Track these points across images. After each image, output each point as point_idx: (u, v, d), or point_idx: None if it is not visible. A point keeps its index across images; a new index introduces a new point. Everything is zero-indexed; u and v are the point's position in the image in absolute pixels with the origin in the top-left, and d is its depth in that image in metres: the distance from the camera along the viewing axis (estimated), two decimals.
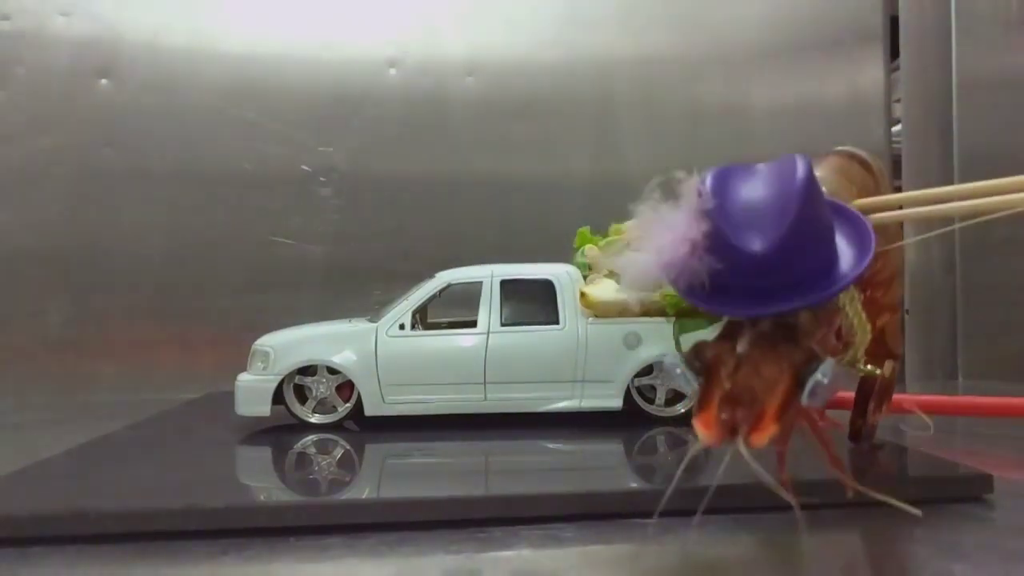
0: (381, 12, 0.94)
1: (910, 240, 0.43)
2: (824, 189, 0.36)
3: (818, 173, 0.36)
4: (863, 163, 0.44)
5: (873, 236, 0.35)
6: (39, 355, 0.88)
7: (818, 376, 0.32)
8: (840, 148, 0.44)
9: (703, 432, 0.33)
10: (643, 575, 0.32)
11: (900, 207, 0.41)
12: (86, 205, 0.89)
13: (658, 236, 0.33)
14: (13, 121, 0.88)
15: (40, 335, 0.88)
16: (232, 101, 0.91)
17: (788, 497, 0.32)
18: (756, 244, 0.32)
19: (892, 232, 0.42)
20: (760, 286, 0.33)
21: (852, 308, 0.38)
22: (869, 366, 0.41)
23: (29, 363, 0.87)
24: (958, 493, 0.41)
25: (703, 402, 0.33)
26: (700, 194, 0.33)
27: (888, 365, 0.48)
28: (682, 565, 0.33)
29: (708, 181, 0.33)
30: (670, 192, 0.33)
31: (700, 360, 0.34)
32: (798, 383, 0.32)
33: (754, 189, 0.33)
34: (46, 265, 0.88)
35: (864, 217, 0.36)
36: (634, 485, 0.43)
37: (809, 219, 0.32)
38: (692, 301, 0.35)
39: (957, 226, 0.40)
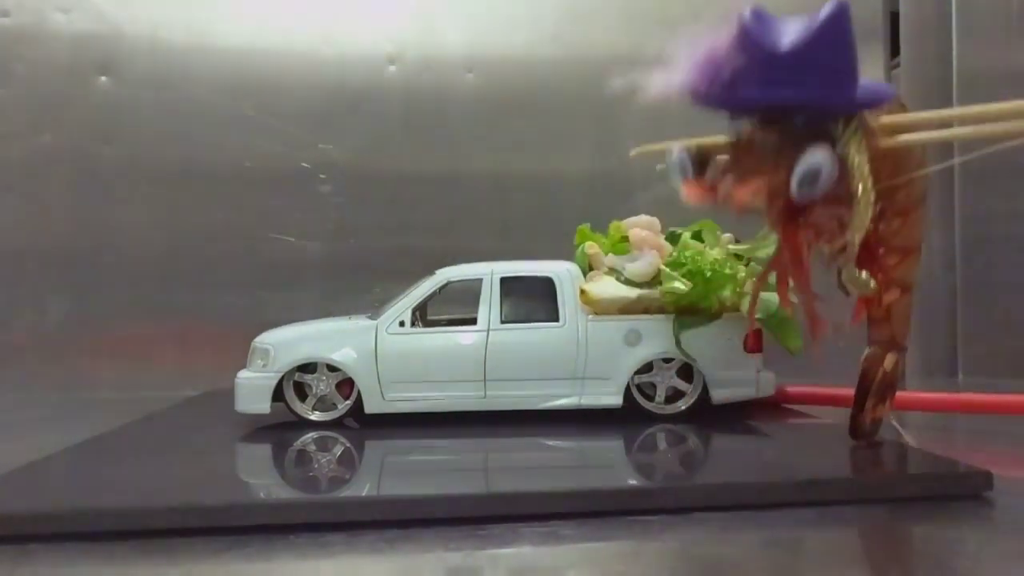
0: (381, 8, 0.94)
1: (934, 168, 0.41)
2: None
3: None
4: (900, 103, 0.43)
5: (892, 91, 0.37)
6: (39, 353, 0.88)
7: (811, 156, 0.34)
8: None
9: (686, 191, 0.35)
10: (643, 573, 0.32)
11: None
12: (85, 202, 0.89)
13: (689, 43, 0.37)
14: (12, 118, 0.88)
15: (39, 332, 0.88)
16: (232, 98, 0.91)
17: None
18: (781, 43, 0.34)
19: (913, 166, 0.41)
20: (778, 81, 0.35)
21: (860, 174, 0.37)
22: (865, 274, 0.40)
23: (28, 361, 0.87)
24: (958, 490, 0.41)
25: (697, 177, 0.35)
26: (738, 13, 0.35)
27: (891, 358, 0.47)
28: (682, 562, 0.33)
29: (747, 8, 0.36)
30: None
31: (701, 152, 0.37)
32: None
33: (790, 21, 0.36)
34: (45, 262, 0.88)
35: (890, 85, 0.37)
36: (634, 482, 0.43)
37: (834, 39, 0.35)
38: (710, 99, 0.36)
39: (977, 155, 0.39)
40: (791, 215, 0.37)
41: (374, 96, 0.93)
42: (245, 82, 0.91)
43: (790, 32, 0.35)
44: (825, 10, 0.35)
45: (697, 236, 0.63)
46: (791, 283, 0.41)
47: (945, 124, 0.39)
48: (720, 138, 0.39)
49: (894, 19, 1.02)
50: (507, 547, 0.34)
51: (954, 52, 1.00)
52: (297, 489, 0.43)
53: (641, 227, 0.63)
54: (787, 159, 0.35)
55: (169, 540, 0.35)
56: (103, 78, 0.89)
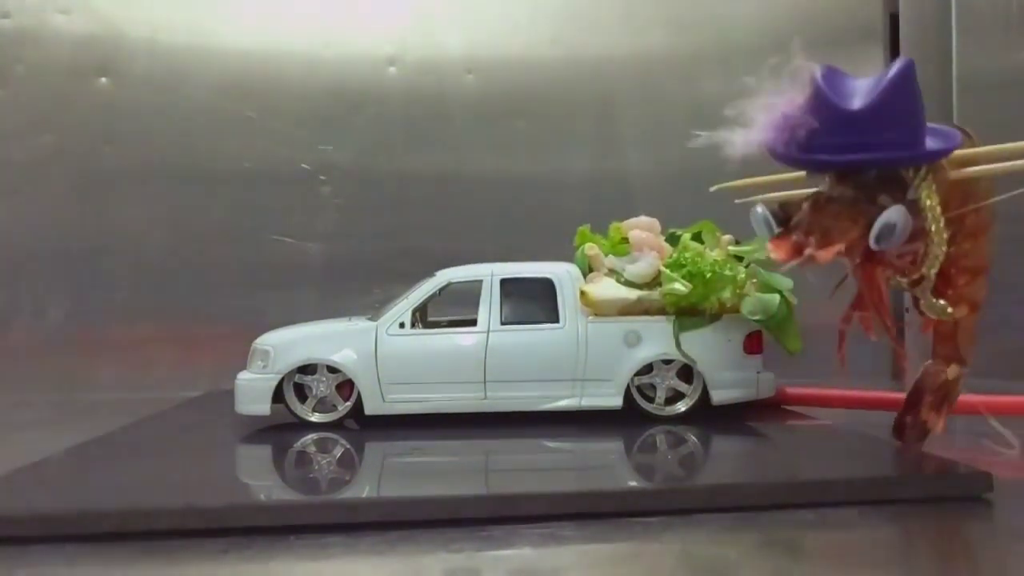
0: (381, 10, 0.94)
1: (1001, 197, 0.44)
2: None
3: None
4: (967, 135, 0.45)
5: (959, 137, 0.40)
6: (39, 354, 0.88)
7: (887, 214, 0.37)
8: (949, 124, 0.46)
9: (774, 249, 0.38)
10: (644, 574, 0.32)
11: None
12: (86, 203, 0.89)
13: (767, 103, 0.39)
14: (13, 119, 0.88)
15: (40, 333, 0.88)
16: (232, 99, 0.91)
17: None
18: (852, 104, 0.37)
19: (982, 195, 0.43)
20: (851, 143, 0.37)
21: (932, 215, 0.39)
22: (942, 301, 0.42)
23: (29, 361, 0.87)
24: (958, 491, 0.41)
25: (781, 234, 0.38)
26: (810, 73, 0.38)
27: (955, 369, 0.48)
28: (683, 564, 0.33)
29: (819, 68, 0.39)
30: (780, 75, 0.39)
31: (784, 211, 0.39)
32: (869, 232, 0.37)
33: (859, 80, 0.39)
34: (46, 263, 0.88)
35: (954, 130, 0.41)
36: (634, 484, 0.43)
37: (902, 97, 0.37)
38: (787, 159, 0.39)
39: None
40: (869, 259, 0.40)
41: (374, 98, 0.93)
42: (245, 83, 0.91)
43: (861, 91, 0.38)
44: (893, 68, 0.37)
45: (697, 237, 0.64)
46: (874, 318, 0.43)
47: (1010, 156, 0.42)
48: (798, 192, 0.42)
49: (894, 20, 1.03)
50: (507, 548, 0.34)
51: (954, 53, 1.00)
52: (297, 490, 0.43)
53: (641, 228, 0.63)
54: (864, 214, 0.38)
55: (169, 541, 0.35)
56: (103, 79, 0.89)
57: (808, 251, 0.37)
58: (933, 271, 0.41)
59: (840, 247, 0.38)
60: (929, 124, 0.40)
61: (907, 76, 0.37)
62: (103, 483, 0.43)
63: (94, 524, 0.36)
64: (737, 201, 0.50)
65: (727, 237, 0.63)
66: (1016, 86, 0.96)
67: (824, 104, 0.37)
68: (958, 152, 0.41)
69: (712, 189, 0.50)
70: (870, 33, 1.01)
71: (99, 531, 0.36)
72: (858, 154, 0.38)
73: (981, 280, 0.47)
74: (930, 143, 0.39)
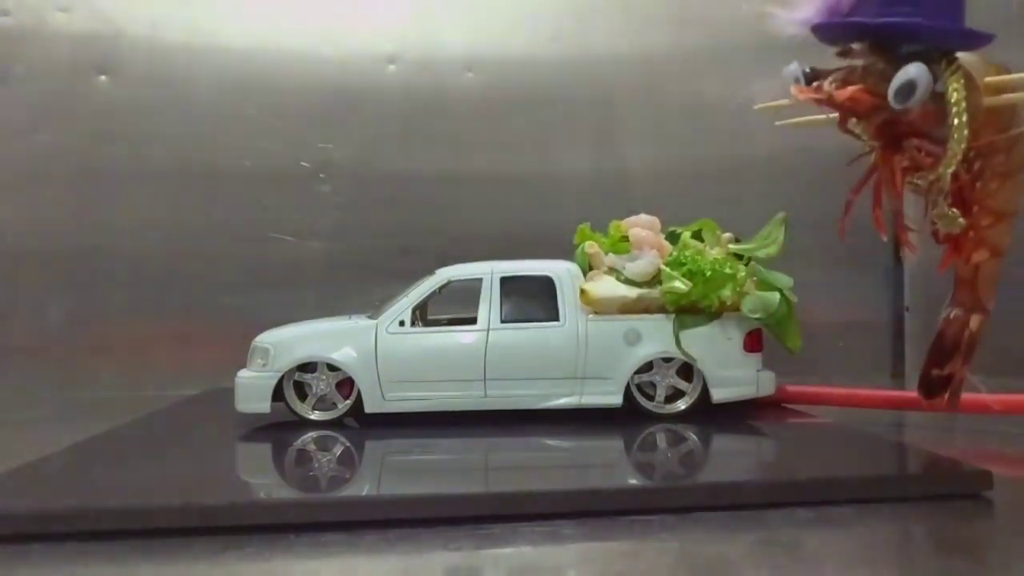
0: (381, 8, 0.94)
1: None
2: (966, 60, 0.42)
3: (964, 55, 0.42)
4: (1005, 67, 0.45)
5: (992, 35, 0.41)
6: (39, 352, 0.88)
7: (908, 70, 0.38)
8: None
9: (796, 93, 0.40)
10: (643, 572, 0.32)
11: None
12: (85, 202, 0.89)
13: None
14: (12, 117, 0.88)
15: (40, 332, 0.88)
16: (231, 97, 0.91)
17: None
18: None
19: (1015, 124, 0.44)
20: (890, 9, 0.39)
21: (957, 108, 0.40)
22: (955, 210, 0.43)
23: (29, 360, 0.87)
24: (958, 490, 0.41)
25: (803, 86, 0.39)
26: None
27: (976, 319, 0.48)
28: (682, 562, 0.33)
29: None
30: None
31: (815, 71, 0.41)
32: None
33: None
34: (46, 262, 0.88)
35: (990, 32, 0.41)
36: (634, 482, 0.43)
37: None
38: (828, 26, 0.41)
39: None
40: (889, 140, 0.41)
41: (374, 95, 0.93)
42: (245, 81, 0.91)
43: None
44: None
45: (697, 235, 0.63)
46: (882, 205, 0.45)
47: None
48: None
49: None
50: (507, 547, 0.34)
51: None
52: (297, 489, 0.43)
53: (641, 226, 0.63)
54: (889, 78, 0.39)
55: (169, 540, 0.35)
56: (103, 77, 0.89)
57: (826, 87, 0.39)
58: (949, 170, 0.41)
59: (857, 88, 0.39)
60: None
61: None
62: (103, 481, 0.43)
63: (94, 522, 0.36)
64: (777, 123, 0.51)
65: (727, 235, 0.63)
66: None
67: None
68: (994, 79, 0.41)
69: (756, 108, 0.51)
70: None
71: (99, 529, 0.36)
72: (894, 16, 0.39)
73: (1005, 225, 0.47)
74: (965, 32, 0.40)
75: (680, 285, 0.58)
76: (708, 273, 0.58)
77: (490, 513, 0.38)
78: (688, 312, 0.60)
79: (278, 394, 0.59)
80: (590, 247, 0.63)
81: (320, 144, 0.92)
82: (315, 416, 0.59)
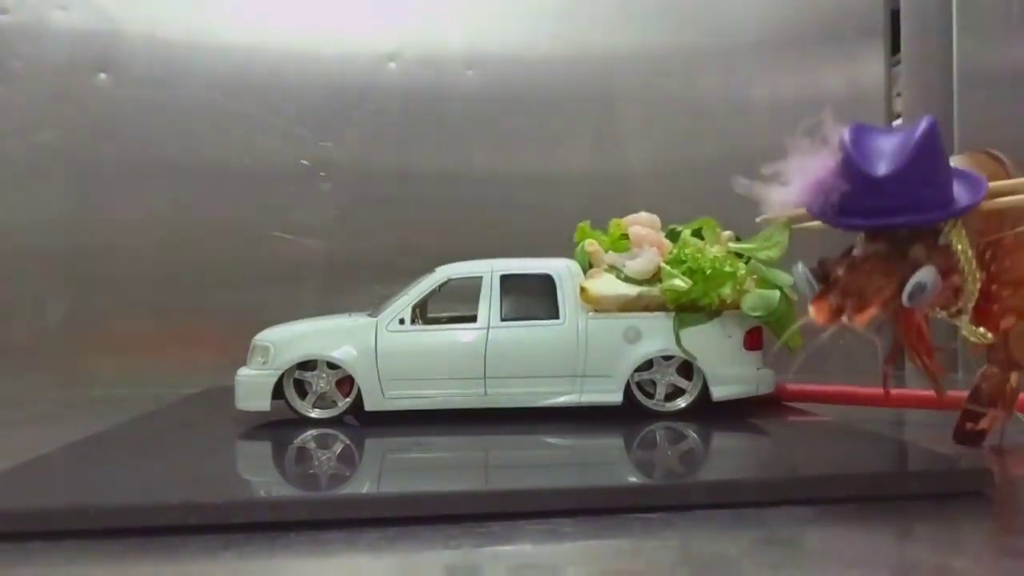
0: (381, 6, 0.94)
1: None
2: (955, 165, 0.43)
3: (953, 161, 0.43)
4: (996, 159, 0.47)
5: (985, 185, 0.41)
6: (39, 350, 0.88)
7: (918, 276, 0.39)
8: (980, 149, 0.48)
9: (815, 312, 0.40)
10: (643, 570, 0.32)
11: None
12: (85, 200, 0.89)
13: (801, 166, 0.41)
14: (11, 116, 0.88)
15: (40, 330, 0.88)
16: (231, 95, 0.91)
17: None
18: (880, 170, 0.39)
19: (1017, 216, 0.45)
20: (880, 207, 0.40)
21: (964, 257, 0.41)
22: (982, 329, 0.44)
23: (29, 358, 0.87)
24: (958, 488, 0.41)
25: (820, 294, 0.40)
26: (839, 136, 0.41)
27: (1016, 376, 0.50)
28: (682, 560, 0.33)
29: (847, 131, 0.41)
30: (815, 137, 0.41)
31: (823, 268, 0.41)
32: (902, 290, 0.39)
33: (885, 138, 0.41)
34: (46, 260, 0.88)
35: (981, 176, 0.42)
36: (634, 480, 0.43)
37: (927, 158, 0.39)
38: (823, 219, 0.42)
39: None
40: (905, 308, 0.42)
41: (374, 94, 0.93)
42: (245, 80, 0.91)
43: (888, 151, 0.40)
44: (918, 130, 0.39)
45: (697, 233, 0.63)
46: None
47: None
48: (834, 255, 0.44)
49: (895, 17, 1.02)
50: (507, 544, 0.34)
51: (954, 50, 1.00)
52: (297, 487, 0.43)
53: (641, 224, 0.63)
54: (897, 271, 0.40)
55: (169, 538, 0.35)
56: (102, 75, 0.89)
57: (844, 318, 0.39)
58: (970, 305, 0.43)
59: (875, 310, 0.40)
60: (956, 168, 0.42)
61: (931, 136, 0.39)
62: (103, 479, 0.43)
63: (94, 520, 0.36)
64: (795, 225, 0.51)
65: (727, 233, 0.63)
66: (1017, 81, 0.96)
67: (853, 170, 0.39)
68: (992, 185, 0.42)
69: (758, 220, 0.52)
70: (871, 29, 1.01)
71: (99, 527, 0.36)
72: (887, 218, 0.40)
73: None
74: (957, 191, 0.41)
75: (680, 283, 0.58)
76: (708, 271, 0.58)
77: (490, 511, 0.38)
78: (688, 310, 0.60)
79: (278, 392, 0.59)
80: (590, 245, 0.63)
81: (321, 142, 0.92)
82: (315, 414, 0.59)
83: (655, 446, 0.51)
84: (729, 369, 0.60)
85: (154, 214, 0.90)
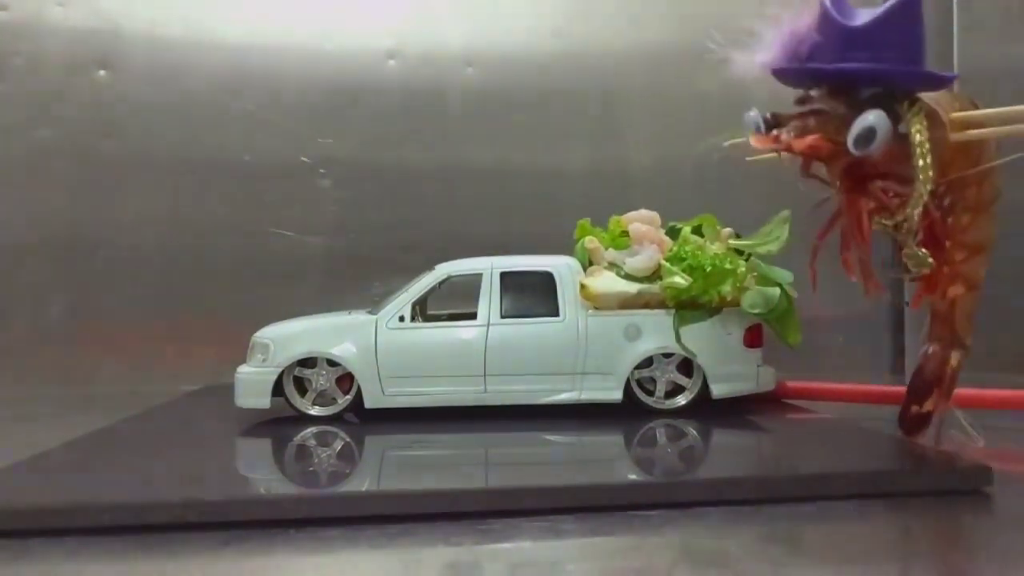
0: (380, 3, 0.94)
1: (1001, 161, 0.44)
2: (931, 95, 0.41)
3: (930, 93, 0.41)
4: (972, 101, 0.44)
5: (955, 79, 0.40)
6: (38, 347, 0.88)
7: (868, 117, 0.37)
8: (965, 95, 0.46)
9: (755, 143, 0.40)
10: (643, 567, 0.32)
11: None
12: (85, 197, 0.89)
13: (775, 21, 0.41)
14: (11, 113, 0.88)
15: (39, 327, 0.88)
16: (231, 92, 0.91)
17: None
18: (854, 21, 0.38)
19: (984, 163, 0.43)
20: (851, 58, 0.38)
21: (921, 149, 0.39)
22: (923, 251, 0.42)
23: (28, 355, 0.87)
24: (957, 485, 0.41)
25: (765, 132, 0.40)
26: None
27: (956, 355, 0.48)
28: (682, 557, 0.33)
29: None
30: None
31: (775, 117, 0.41)
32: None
33: (869, 10, 0.39)
34: (45, 257, 0.88)
35: (955, 74, 0.41)
36: (634, 477, 0.43)
37: (904, 19, 0.38)
38: (789, 70, 0.41)
39: None
40: (854, 183, 0.40)
41: (374, 91, 0.93)
42: (244, 76, 0.91)
43: (866, 15, 0.39)
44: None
45: (697, 231, 0.63)
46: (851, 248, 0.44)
47: (1013, 120, 0.41)
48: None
49: None
50: (507, 542, 0.34)
51: (955, 50, 1.00)
52: (297, 484, 0.43)
53: (641, 222, 0.63)
54: (849, 123, 0.38)
55: (168, 535, 0.35)
56: (102, 72, 0.89)
57: (784, 137, 0.39)
58: (916, 211, 0.40)
59: (816, 137, 0.39)
60: (932, 68, 0.40)
61: (911, 3, 0.38)
62: (103, 477, 0.43)
63: (94, 518, 0.36)
64: (748, 159, 0.50)
65: (727, 230, 0.63)
66: (1017, 80, 0.95)
67: (827, 21, 0.39)
68: (960, 114, 0.41)
69: (726, 144, 0.50)
70: None
71: (99, 524, 0.36)
72: (851, 63, 0.38)
73: (980, 258, 0.46)
74: (926, 76, 0.40)
75: (680, 280, 0.58)
76: (708, 268, 0.58)
77: (490, 508, 0.38)
78: (688, 307, 0.60)
79: (278, 389, 0.59)
80: (590, 242, 0.63)
81: (320, 139, 0.92)
82: (315, 411, 0.59)
83: (655, 443, 0.51)
84: (729, 366, 0.60)
85: (153, 211, 0.90)
